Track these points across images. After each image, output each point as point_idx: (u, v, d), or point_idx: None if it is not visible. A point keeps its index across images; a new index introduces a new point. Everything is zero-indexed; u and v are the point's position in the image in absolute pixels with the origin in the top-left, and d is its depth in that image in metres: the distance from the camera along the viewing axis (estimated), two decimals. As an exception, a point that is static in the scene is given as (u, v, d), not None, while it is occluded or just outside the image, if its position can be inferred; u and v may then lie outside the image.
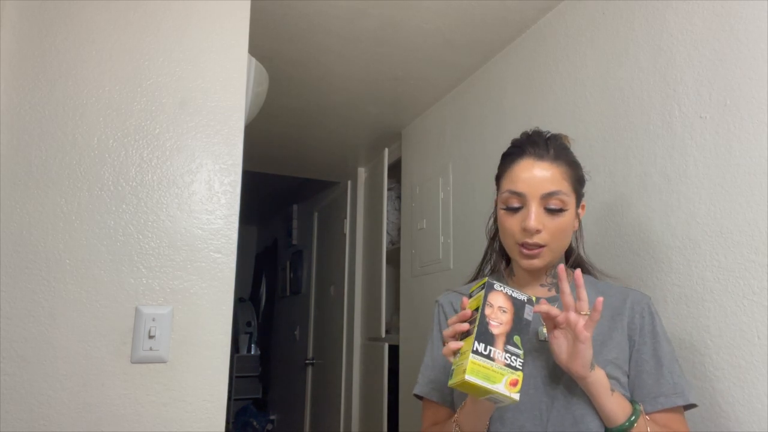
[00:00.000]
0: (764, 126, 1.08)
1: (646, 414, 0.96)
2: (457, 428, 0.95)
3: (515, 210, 1.01)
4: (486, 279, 0.89)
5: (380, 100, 2.40)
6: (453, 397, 1.05)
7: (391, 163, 2.87)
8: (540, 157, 1.00)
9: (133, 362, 1.12)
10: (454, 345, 0.86)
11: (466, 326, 0.86)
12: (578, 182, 1.05)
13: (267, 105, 1.67)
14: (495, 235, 1.14)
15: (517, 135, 1.10)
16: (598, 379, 0.91)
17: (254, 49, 1.44)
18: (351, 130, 2.77)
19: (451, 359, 0.87)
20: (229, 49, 1.30)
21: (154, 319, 1.13)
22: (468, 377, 0.80)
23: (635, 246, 1.35)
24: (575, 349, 0.90)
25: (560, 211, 0.99)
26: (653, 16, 1.35)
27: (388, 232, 2.93)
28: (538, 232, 0.98)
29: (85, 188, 1.14)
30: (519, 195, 1.00)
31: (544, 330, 1.01)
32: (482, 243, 1.78)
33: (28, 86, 1.13)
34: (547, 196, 0.99)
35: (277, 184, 3.90)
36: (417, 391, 1.09)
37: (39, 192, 1.11)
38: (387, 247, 2.84)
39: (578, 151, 1.53)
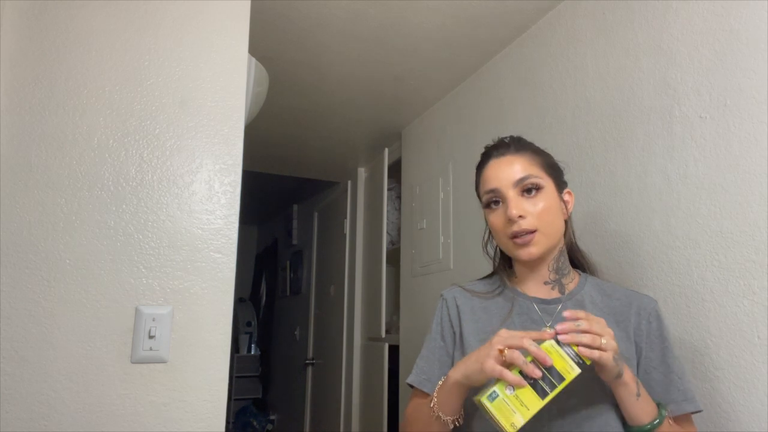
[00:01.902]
0: (764, 126, 1.08)
1: None
2: (438, 412, 0.96)
3: (496, 205, 1.04)
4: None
5: (380, 100, 2.40)
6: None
7: (391, 163, 2.87)
8: (502, 154, 1.06)
9: (133, 362, 1.12)
10: (513, 379, 0.83)
11: (539, 374, 0.83)
12: (550, 167, 1.07)
13: (267, 105, 1.67)
14: (490, 246, 1.16)
15: (517, 134, 1.11)
16: (624, 384, 0.91)
17: (254, 49, 1.44)
18: (351, 130, 2.77)
19: (496, 386, 0.85)
20: (229, 49, 1.30)
21: (154, 319, 1.13)
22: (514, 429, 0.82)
23: (635, 246, 1.35)
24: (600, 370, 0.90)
25: (537, 190, 1.02)
26: (653, 16, 1.35)
27: (388, 232, 2.93)
28: (521, 217, 1.00)
29: (85, 188, 1.14)
30: (493, 191, 1.04)
31: (548, 329, 1.00)
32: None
33: (28, 86, 1.13)
34: (519, 182, 1.02)
35: (277, 184, 3.90)
36: (410, 380, 1.10)
37: (39, 192, 1.11)
38: (387, 247, 2.84)
39: (579, 151, 1.54)
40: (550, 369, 0.84)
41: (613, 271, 1.39)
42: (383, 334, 2.77)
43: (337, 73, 2.15)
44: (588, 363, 0.85)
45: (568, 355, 0.85)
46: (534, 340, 0.86)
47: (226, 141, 1.26)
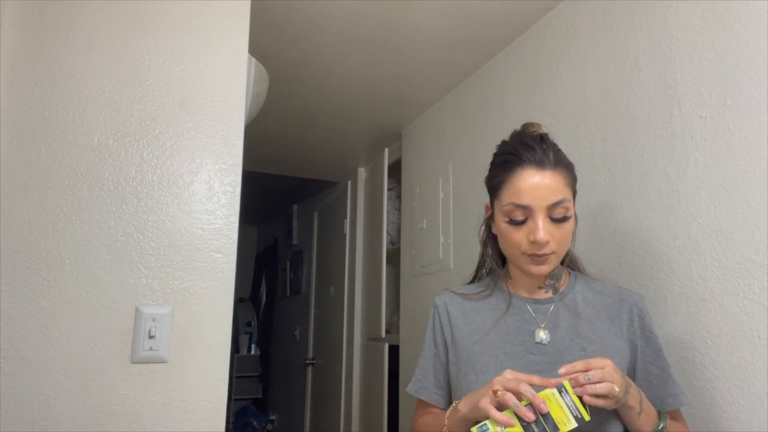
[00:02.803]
0: (764, 126, 1.08)
1: None
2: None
3: (520, 223, 0.98)
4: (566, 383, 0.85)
5: (380, 100, 2.40)
6: (440, 397, 1.08)
7: (392, 163, 2.87)
8: (541, 165, 0.97)
9: (133, 362, 1.12)
10: (500, 418, 0.82)
11: (532, 417, 0.82)
12: (575, 182, 1.04)
13: (267, 105, 1.67)
14: (487, 241, 1.13)
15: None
16: (628, 407, 0.90)
17: (254, 49, 1.44)
18: (351, 130, 2.77)
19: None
20: (229, 49, 1.30)
21: (154, 319, 1.13)
22: None
23: (635, 246, 1.35)
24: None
25: (565, 219, 0.98)
26: (653, 16, 1.35)
27: (388, 232, 2.93)
28: (546, 243, 0.97)
29: (85, 188, 1.14)
30: (524, 208, 0.97)
31: (541, 333, 1.01)
32: (482, 243, 1.74)
33: (28, 86, 1.13)
34: (553, 207, 0.97)
35: (278, 184, 3.90)
36: (408, 389, 1.12)
37: (39, 192, 1.11)
38: (387, 247, 2.84)
39: (579, 151, 1.54)
40: (546, 416, 0.83)
41: (613, 271, 1.39)
42: (383, 334, 2.77)
43: (338, 73, 2.15)
44: (587, 419, 0.83)
45: (568, 407, 0.83)
46: (539, 386, 0.85)
47: (226, 141, 1.26)
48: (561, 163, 1.00)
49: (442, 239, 2.25)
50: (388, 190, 2.88)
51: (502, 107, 1.93)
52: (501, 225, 1.02)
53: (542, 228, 0.96)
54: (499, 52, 1.97)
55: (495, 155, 1.07)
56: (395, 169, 2.87)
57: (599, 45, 1.51)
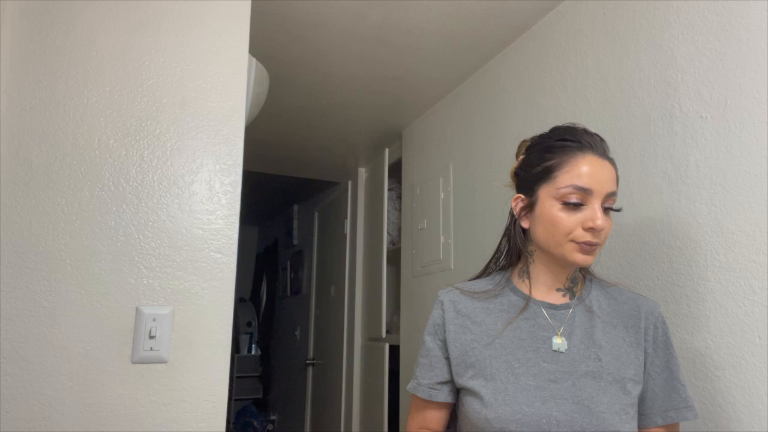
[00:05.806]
0: (765, 126, 1.08)
1: (654, 427, 0.98)
2: None
3: (575, 206, 0.95)
4: None
5: (381, 100, 2.41)
6: (436, 392, 1.05)
7: (392, 163, 2.87)
8: (602, 155, 0.97)
9: (133, 362, 1.12)
10: None
11: None
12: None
13: (267, 105, 1.67)
14: (515, 233, 1.07)
15: (518, 135, 1.10)
16: None
17: (255, 49, 1.44)
18: (351, 130, 2.77)
19: None
20: (230, 49, 1.30)
21: (154, 320, 1.13)
22: None
23: (636, 246, 1.35)
24: None
25: (612, 211, 0.98)
26: (653, 15, 1.35)
27: (388, 232, 2.93)
28: (602, 230, 0.95)
29: (86, 188, 1.14)
30: (585, 191, 0.94)
31: (557, 340, 0.98)
32: (483, 243, 1.78)
33: (28, 86, 1.14)
34: (609, 196, 0.96)
35: (278, 184, 3.90)
36: (408, 387, 1.09)
37: (39, 192, 1.11)
38: (387, 247, 2.84)
39: (579, 151, 1.54)
40: None
41: (613, 271, 1.39)
42: (384, 334, 2.77)
43: (338, 73, 2.16)
44: None
45: None
46: None
47: (227, 141, 1.26)
48: (613, 161, 1.01)
49: (442, 239, 2.25)
50: (389, 190, 2.88)
51: (502, 107, 1.93)
52: (550, 210, 0.97)
53: (600, 213, 0.95)
54: (500, 52, 1.97)
55: (543, 141, 1.03)
56: (396, 169, 2.87)
57: (599, 45, 1.51)
